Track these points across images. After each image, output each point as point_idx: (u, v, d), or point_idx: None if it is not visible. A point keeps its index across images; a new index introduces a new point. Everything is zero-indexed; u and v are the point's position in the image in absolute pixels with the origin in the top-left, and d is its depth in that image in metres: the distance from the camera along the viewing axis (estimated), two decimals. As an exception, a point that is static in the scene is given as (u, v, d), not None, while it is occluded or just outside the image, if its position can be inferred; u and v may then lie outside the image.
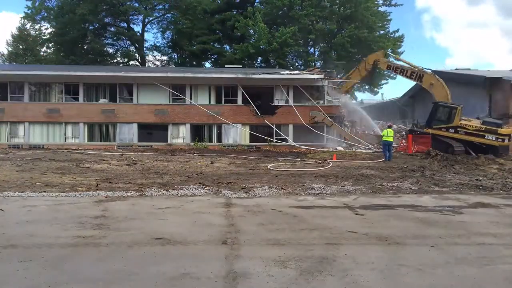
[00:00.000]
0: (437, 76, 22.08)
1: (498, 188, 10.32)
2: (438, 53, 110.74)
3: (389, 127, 19.17)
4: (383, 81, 42.87)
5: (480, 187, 10.34)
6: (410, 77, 23.04)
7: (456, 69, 31.85)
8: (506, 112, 21.01)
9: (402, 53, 39.99)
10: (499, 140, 19.66)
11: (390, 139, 17.94)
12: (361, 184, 10.38)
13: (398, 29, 43.74)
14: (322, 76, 25.94)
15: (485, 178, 11.68)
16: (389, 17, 40.09)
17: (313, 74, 26.36)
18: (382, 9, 39.44)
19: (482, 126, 20.15)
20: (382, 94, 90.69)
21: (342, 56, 36.61)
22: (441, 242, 5.32)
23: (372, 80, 41.63)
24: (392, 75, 24.17)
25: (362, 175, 11.99)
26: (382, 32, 39.20)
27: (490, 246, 5.22)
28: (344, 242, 5.28)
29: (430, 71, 22.42)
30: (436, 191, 9.72)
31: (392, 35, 39.01)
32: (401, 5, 39.85)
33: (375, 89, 43.98)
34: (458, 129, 20.45)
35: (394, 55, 25.69)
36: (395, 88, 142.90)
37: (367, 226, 6.15)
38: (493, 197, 9.04)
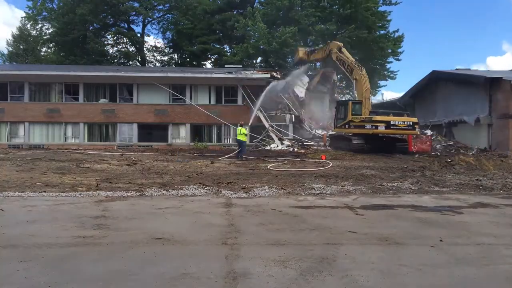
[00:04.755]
0: (362, 72, 20.62)
1: (498, 188, 10.32)
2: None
3: (241, 125, 18.62)
4: (382, 82, 42.88)
5: (480, 187, 10.33)
6: (346, 70, 21.74)
7: (456, 69, 31.84)
8: (506, 112, 20.89)
9: (402, 53, 40.01)
10: (373, 128, 17.69)
11: (242, 137, 17.76)
12: (361, 184, 10.37)
13: (398, 29, 43.67)
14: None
15: (485, 178, 11.67)
16: (389, 17, 40.03)
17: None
18: (382, 8, 39.37)
19: (363, 116, 18.93)
20: (382, 94, 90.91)
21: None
22: (441, 242, 5.31)
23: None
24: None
25: (362, 175, 11.99)
26: (382, 32, 39.16)
27: (490, 246, 5.22)
28: (344, 242, 5.27)
29: (359, 66, 20.94)
30: (436, 191, 9.72)
31: (392, 35, 38.99)
32: (401, 2, 39.76)
33: (375, 90, 43.95)
34: (350, 123, 19.79)
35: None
36: (395, 88, 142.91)
37: (367, 226, 6.15)
38: (493, 197, 9.03)
